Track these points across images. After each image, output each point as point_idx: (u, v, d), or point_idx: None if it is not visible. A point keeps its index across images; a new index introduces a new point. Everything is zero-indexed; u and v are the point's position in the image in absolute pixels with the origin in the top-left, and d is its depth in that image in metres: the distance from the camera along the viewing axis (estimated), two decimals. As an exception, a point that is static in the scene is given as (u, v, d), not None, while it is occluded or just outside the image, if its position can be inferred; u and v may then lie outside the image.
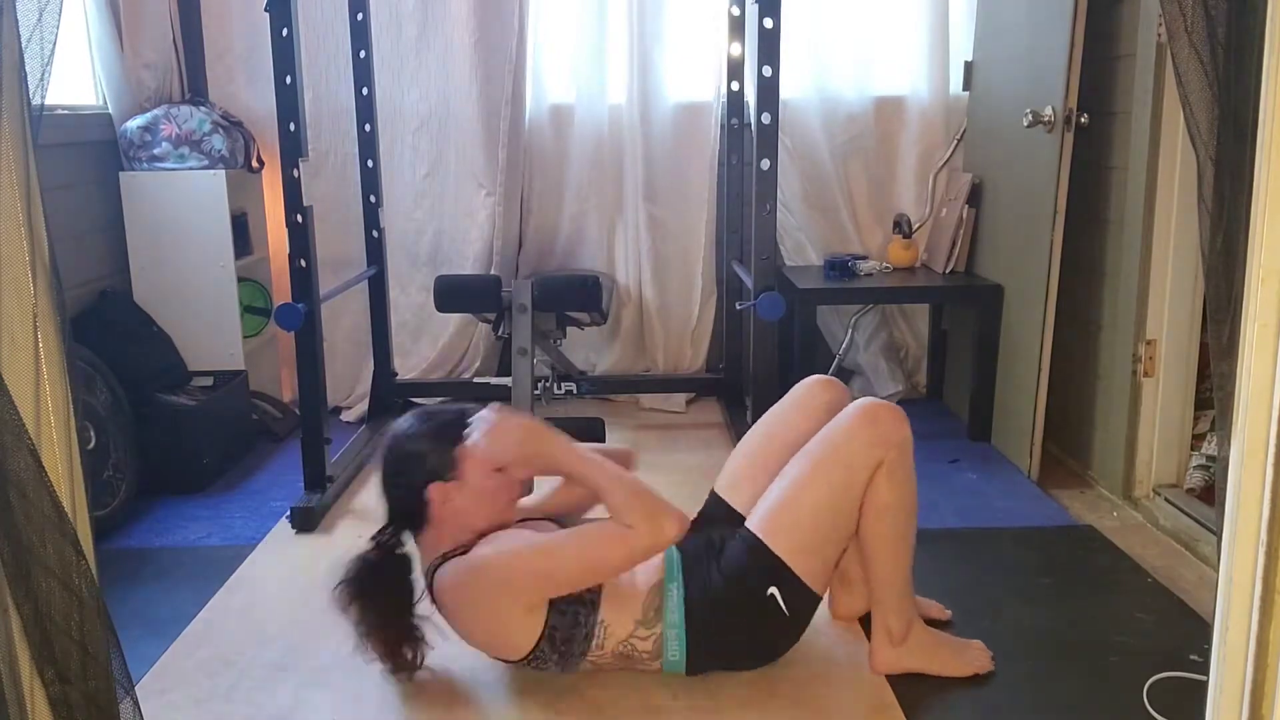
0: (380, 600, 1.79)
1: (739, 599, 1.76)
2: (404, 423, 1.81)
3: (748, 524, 1.80)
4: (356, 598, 1.78)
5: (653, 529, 1.66)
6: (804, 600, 1.77)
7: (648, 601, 1.77)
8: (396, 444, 1.79)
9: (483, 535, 1.76)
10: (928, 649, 1.85)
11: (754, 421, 2.07)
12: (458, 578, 1.72)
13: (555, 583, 1.70)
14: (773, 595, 1.75)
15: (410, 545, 1.86)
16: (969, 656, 1.86)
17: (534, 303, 2.66)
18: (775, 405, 2.02)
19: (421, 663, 1.83)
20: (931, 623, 1.99)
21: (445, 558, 1.75)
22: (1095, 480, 2.80)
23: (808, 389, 2.00)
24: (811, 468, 1.77)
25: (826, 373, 3.54)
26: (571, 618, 1.73)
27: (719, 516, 1.95)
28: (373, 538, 1.85)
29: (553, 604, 1.71)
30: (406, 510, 1.79)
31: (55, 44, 1.06)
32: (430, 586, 1.78)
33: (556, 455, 1.74)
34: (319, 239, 2.71)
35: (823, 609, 2.06)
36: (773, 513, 1.77)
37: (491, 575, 1.70)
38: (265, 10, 2.44)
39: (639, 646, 1.77)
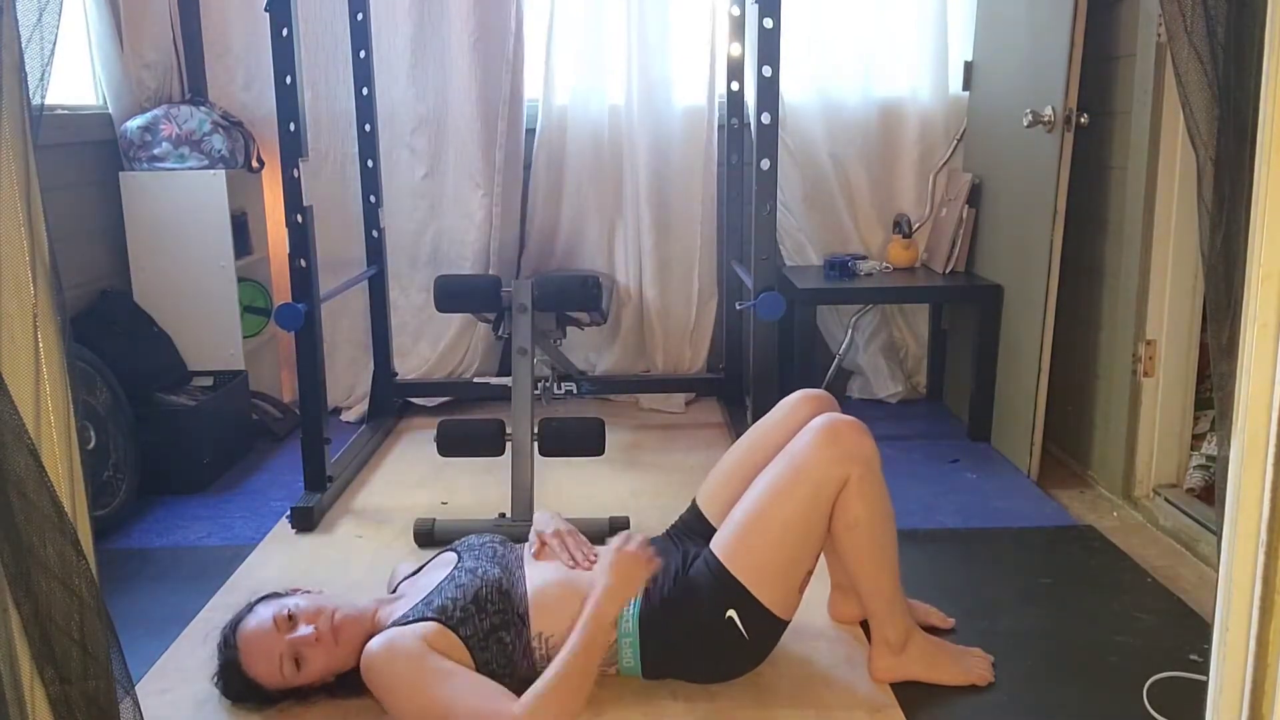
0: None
1: (696, 619, 1.75)
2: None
3: (711, 545, 1.79)
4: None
5: None
6: (765, 624, 1.75)
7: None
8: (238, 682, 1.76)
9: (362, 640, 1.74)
10: (927, 657, 1.84)
11: (754, 422, 2.06)
12: (376, 685, 1.68)
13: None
14: (731, 618, 1.73)
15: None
16: (968, 665, 1.85)
17: (534, 303, 2.65)
18: (763, 418, 2.00)
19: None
20: (934, 630, 1.99)
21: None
22: (1095, 480, 2.80)
23: (792, 404, 1.96)
24: (774, 489, 1.75)
25: (827, 373, 3.60)
26: (499, 646, 1.71)
27: (696, 530, 1.94)
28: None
29: (471, 645, 1.69)
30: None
31: (55, 44, 1.06)
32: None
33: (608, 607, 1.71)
34: (319, 239, 2.71)
35: (821, 610, 2.08)
36: (735, 536, 1.75)
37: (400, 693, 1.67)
38: (265, 10, 2.44)
39: None
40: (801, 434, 1.78)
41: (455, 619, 1.71)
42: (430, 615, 1.72)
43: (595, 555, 1.88)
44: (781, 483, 1.75)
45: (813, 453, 1.73)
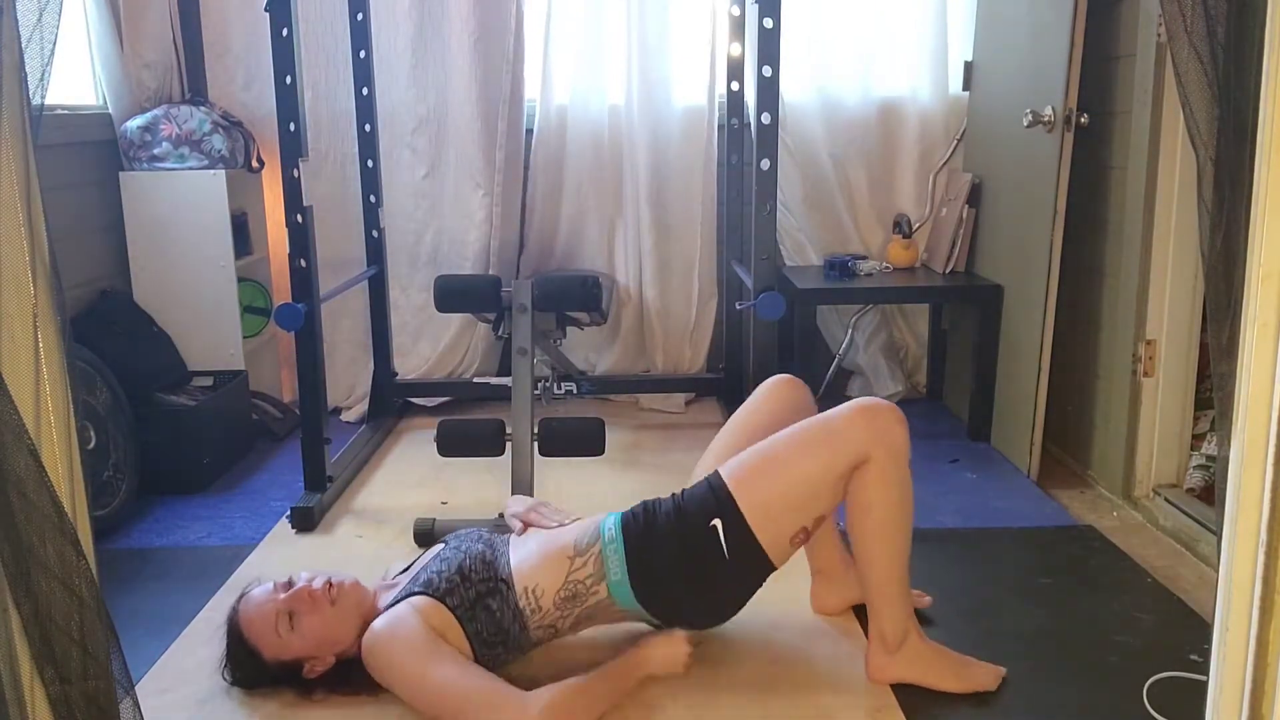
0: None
1: (680, 521, 1.76)
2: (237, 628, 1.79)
3: (720, 468, 1.79)
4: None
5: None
6: (748, 547, 1.73)
7: (581, 531, 1.80)
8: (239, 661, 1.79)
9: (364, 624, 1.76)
10: (925, 660, 1.81)
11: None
12: (378, 664, 1.70)
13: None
14: (714, 527, 1.73)
15: None
16: (967, 674, 1.82)
17: (534, 303, 2.65)
18: (740, 407, 2.03)
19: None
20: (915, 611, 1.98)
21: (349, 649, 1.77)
22: (1095, 480, 2.80)
23: (772, 387, 2.01)
24: (796, 439, 1.76)
25: (827, 373, 3.60)
26: (486, 613, 1.73)
27: None
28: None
29: (459, 616, 1.71)
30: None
31: (55, 44, 1.06)
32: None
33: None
34: (319, 239, 2.71)
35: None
36: (745, 464, 1.76)
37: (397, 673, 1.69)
38: (265, 10, 2.44)
39: (579, 577, 1.76)
40: (844, 405, 1.78)
41: (441, 590, 1.73)
42: (417, 590, 1.75)
43: (570, 518, 1.91)
44: (805, 435, 1.75)
45: (845, 421, 1.74)
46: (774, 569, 1.78)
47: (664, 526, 1.77)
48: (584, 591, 1.78)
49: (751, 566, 1.76)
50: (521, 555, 1.82)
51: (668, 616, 1.80)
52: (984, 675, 1.83)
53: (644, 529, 1.78)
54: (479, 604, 1.73)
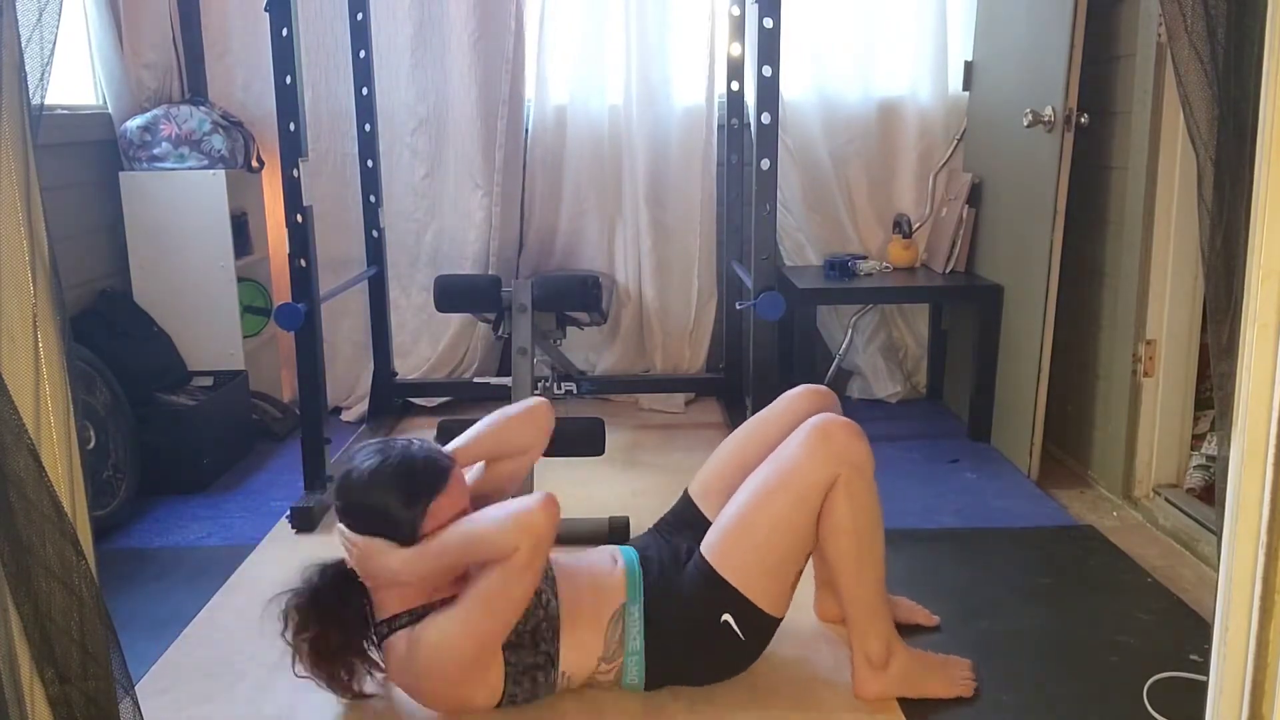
0: (335, 622, 1.71)
1: (694, 626, 1.75)
2: (371, 472, 1.66)
3: (702, 548, 1.77)
4: (311, 613, 1.71)
5: (527, 539, 1.58)
6: (760, 624, 1.75)
7: (610, 634, 1.75)
8: (368, 494, 1.65)
9: (434, 588, 1.68)
10: (911, 675, 1.80)
11: (753, 423, 2.06)
12: (409, 653, 1.66)
13: (488, 645, 1.66)
14: (726, 622, 1.73)
15: None
16: (951, 676, 1.82)
17: (534, 303, 2.66)
18: (763, 410, 2.00)
19: (359, 688, 1.76)
20: (918, 629, 1.98)
21: (393, 625, 1.68)
22: (1095, 480, 2.80)
23: (792, 398, 1.96)
24: (764, 489, 1.74)
25: (826, 373, 3.60)
26: (530, 682, 1.71)
27: (688, 521, 1.92)
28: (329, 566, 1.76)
29: (508, 674, 1.68)
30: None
31: (55, 44, 1.06)
32: (380, 646, 1.73)
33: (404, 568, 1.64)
34: (319, 239, 2.70)
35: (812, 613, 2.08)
36: (725, 537, 1.75)
37: (436, 656, 1.64)
38: (265, 10, 2.44)
39: (601, 680, 1.78)
40: (794, 434, 1.77)
41: (508, 641, 1.68)
42: None
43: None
44: (771, 483, 1.74)
45: (802, 453, 1.72)
46: (781, 620, 1.79)
47: (680, 635, 1.76)
48: (601, 686, 1.80)
49: (765, 633, 1.78)
50: (569, 622, 1.74)
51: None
52: (960, 673, 1.83)
53: (666, 640, 1.75)
54: (528, 674, 1.70)
